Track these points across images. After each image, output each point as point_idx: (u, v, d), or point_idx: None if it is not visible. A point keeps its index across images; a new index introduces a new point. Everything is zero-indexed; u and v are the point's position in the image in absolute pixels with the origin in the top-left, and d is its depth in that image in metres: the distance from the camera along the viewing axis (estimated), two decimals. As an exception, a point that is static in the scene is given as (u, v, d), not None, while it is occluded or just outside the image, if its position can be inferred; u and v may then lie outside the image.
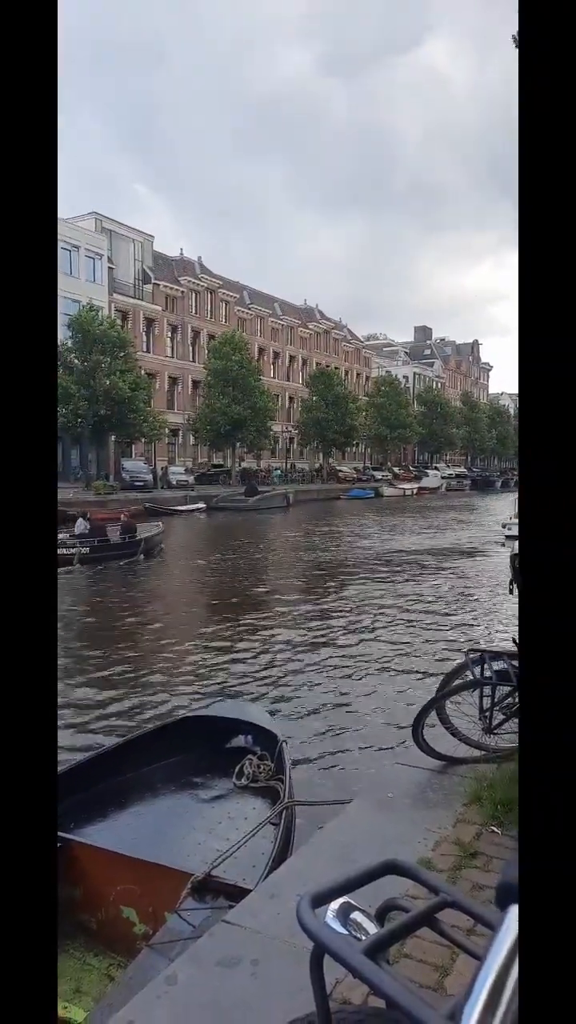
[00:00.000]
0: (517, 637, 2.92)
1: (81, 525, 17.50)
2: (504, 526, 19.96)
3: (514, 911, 0.74)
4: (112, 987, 2.72)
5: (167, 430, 40.68)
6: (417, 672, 8.32)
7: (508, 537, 17.18)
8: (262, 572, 16.98)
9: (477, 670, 3.37)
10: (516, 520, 14.87)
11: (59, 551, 15.55)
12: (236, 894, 3.10)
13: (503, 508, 37.76)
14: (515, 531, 14.45)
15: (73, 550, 16.07)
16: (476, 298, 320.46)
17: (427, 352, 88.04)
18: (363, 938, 0.94)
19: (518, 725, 3.25)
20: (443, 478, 61.73)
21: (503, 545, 18.68)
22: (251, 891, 2.96)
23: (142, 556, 17.52)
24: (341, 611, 11.99)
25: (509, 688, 3.31)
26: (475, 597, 13.45)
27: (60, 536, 16.44)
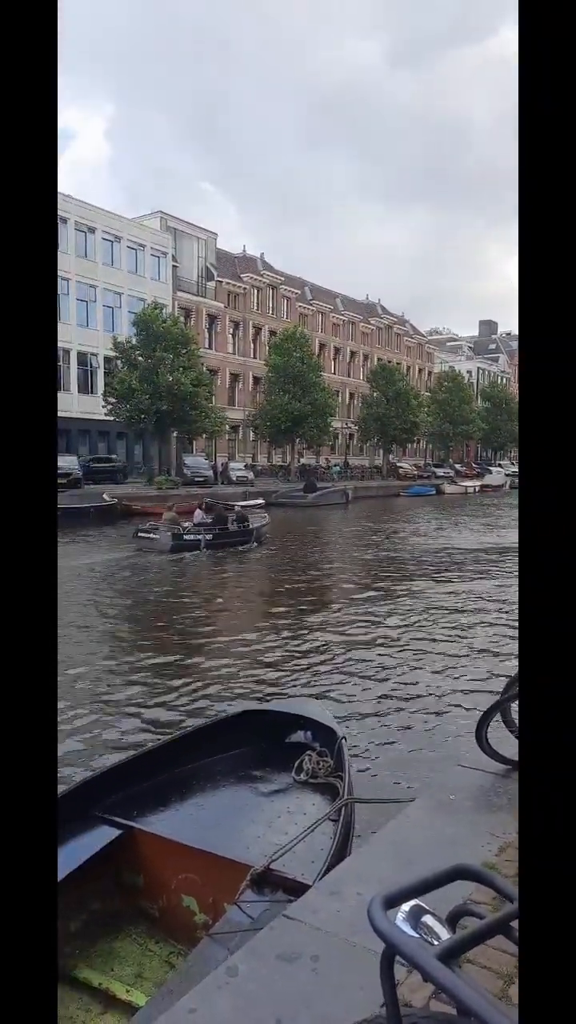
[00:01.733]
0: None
1: (199, 515, 19.73)
2: None
3: None
4: (172, 974, 2.77)
5: (228, 426, 41.08)
6: (479, 673, 8.17)
7: None
8: (333, 563, 17.34)
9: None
10: None
11: (187, 537, 18.17)
12: (295, 888, 3.10)
13: None
14: None
15: (199, 536, 18.23)
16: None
17: (492, 346, 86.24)
18: (435, 942, 0.92)
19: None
20: (507, 475, 60.29)
21: None
22: (310, 886, 2.96)
23: (255, 543, 19.54)
24: (405, 608, 11.88)
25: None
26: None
27: (186, 524, 18.99)
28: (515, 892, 0.95)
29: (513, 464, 69.59)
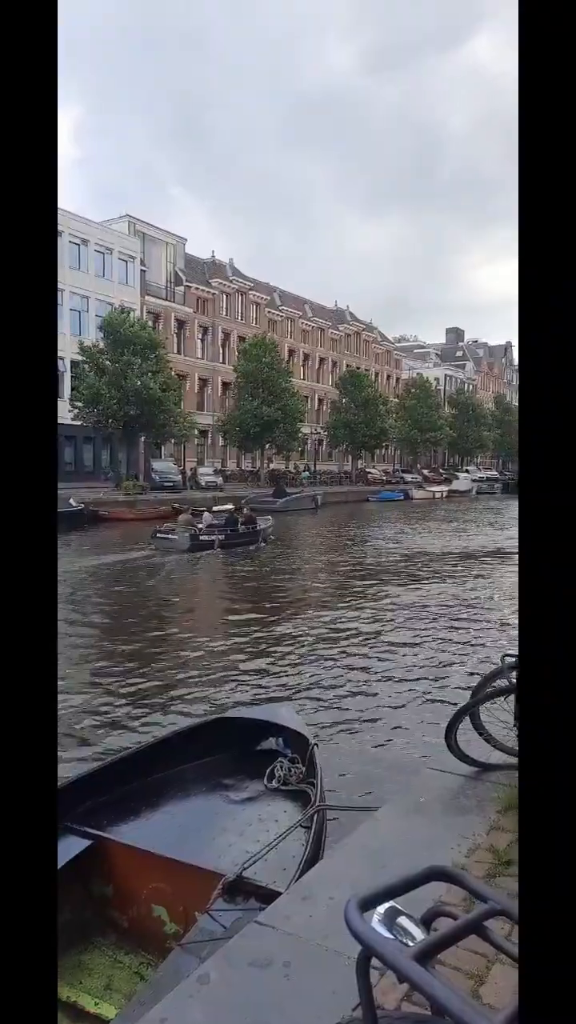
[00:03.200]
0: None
1: (208, 518, 21.38)
2: None
3: None
4: (143, 985, 2.73)
5: (196, 431, 40.94)
6: (449, 675, 8.24)
7: None
8: (313, 568, 17.19)
9: (512, 675, 3.32)
10: None
11: (203, 538, 19.81)
12: (267, 896, 3.09)
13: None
14: None
15: (213, 537, 19.98)
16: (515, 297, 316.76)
17: (459, 354, 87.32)
18: (409, 943, 0.93)
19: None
20: (474, 481, 61.11)
21: None
22: (282, 893, 2.96)
23: (263, 543, 21.30)
24: (378, 611, 11.94)
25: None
26: (509, 598, 13.28)
27: (200, 526, 20.58)
28: (488, 892, 0.96)
29: (479, 469, 70.54)
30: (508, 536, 26.27)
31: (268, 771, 4.08)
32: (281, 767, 4.07)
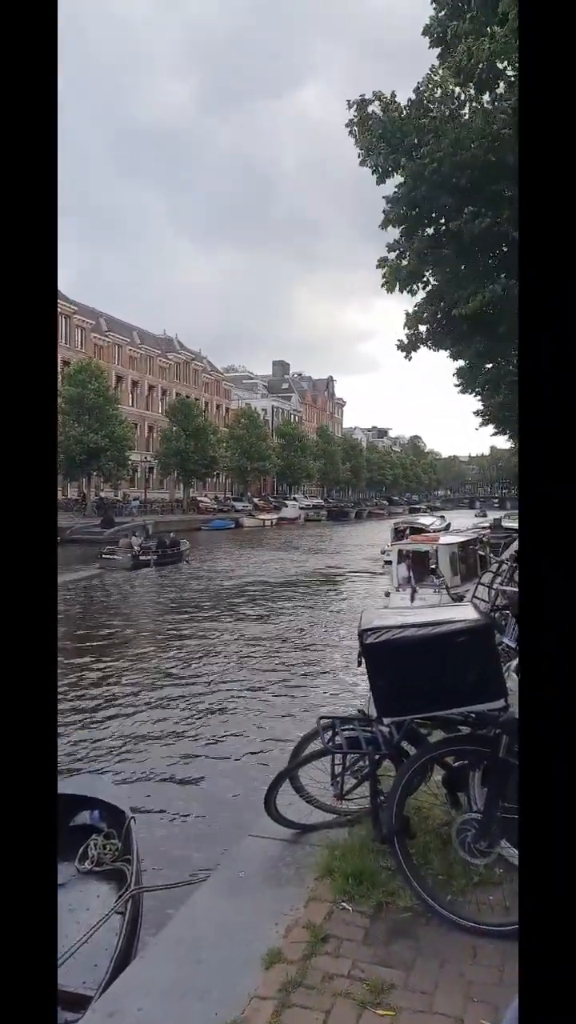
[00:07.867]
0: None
1: (136, 541, 25.68)
2: (383, 552, 21.28)
3: None
4: None
5: (16, 459, 38.62)
6: (278, 728, 8.28)
7: (387, 563, 17.71)
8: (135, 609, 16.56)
9: (327, 736, 3.35)
10: (391, 547, 15.38)
11: (142, 558, 24.70)
12: (75, 1002, 2.85)
13: (361, 536, 39.64)
14: (391, 557, 14.72)
15: (150, 557, 24.91)
16: (344, 335, 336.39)
17: (285, 386, 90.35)
18: None
19: (363, 786, 3.26)
20: (301, 509, 63.16)
21: (382, 569, 19.98)
22: (91, 998, 2.73)
23: (186, 562, 26.16)
24: (209, 653, 11.78)
25: (359, 754, 3.31)
26: (338, 631, 13.67)
27: (136, 548, 25.03)
28: None
29: (306, 497, 73.07)
30: (338, 561, 27.37)
31: (80, 850, 3.79)
32: (95, 845, 3.79)
